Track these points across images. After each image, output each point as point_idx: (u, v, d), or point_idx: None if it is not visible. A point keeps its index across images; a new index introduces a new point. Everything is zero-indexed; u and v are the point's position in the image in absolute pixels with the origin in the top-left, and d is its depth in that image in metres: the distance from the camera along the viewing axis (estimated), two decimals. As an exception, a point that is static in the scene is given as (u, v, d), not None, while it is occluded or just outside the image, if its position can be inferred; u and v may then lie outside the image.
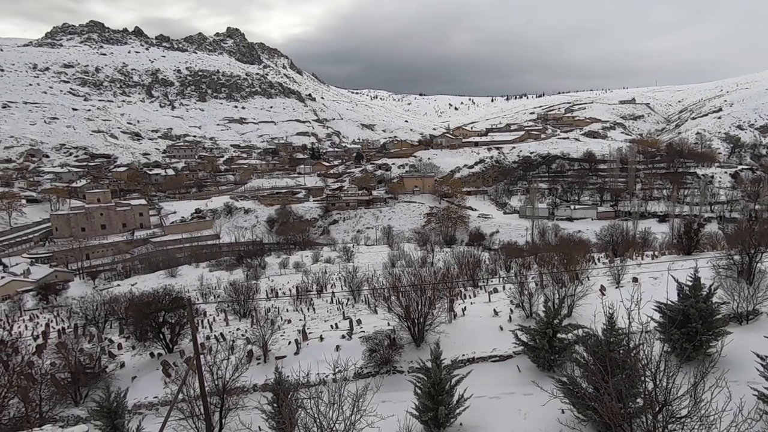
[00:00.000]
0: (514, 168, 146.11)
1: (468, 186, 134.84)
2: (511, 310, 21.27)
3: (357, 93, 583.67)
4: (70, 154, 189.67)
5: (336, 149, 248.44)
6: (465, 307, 23.22)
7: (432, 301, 19.07)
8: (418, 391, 12.79)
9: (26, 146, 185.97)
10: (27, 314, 49.77)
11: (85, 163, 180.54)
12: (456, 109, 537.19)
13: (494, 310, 21.95)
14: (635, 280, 23.98)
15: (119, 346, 26.53)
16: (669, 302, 13.86)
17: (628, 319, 9.36)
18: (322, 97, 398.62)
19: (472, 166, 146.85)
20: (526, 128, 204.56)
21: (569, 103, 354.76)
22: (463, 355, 17.48)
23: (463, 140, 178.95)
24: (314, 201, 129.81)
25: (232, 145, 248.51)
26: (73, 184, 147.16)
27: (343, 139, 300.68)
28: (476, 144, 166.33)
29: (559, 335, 15.54)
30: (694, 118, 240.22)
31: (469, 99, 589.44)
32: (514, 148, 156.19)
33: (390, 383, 16.40)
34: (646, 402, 8.84)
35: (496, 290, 29.38)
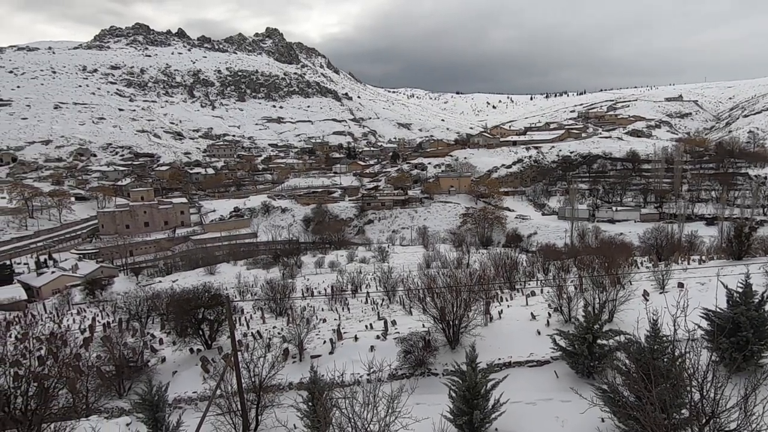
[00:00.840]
0: (553, 168, 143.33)
1: (505, 186, 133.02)
2: (549, 314, 20.79)
3: (393, 92, 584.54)
4: (116, 153, 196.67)
5: (372, 148, 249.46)
6: (501, 310, 22.85)
7: (467, 303, 18.82)
8: (453, 395, 12.64)
9: (75, 146, 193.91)
10: (75, 308, 51.83)
11: (129, 162, 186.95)
12: (494, 107, 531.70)
13: (531, 313, 21.51)
14: (681, 285, 23.06)
15: (160, 341, 27.27)
16: (717, 309, 13.25)
17: (674, 325, 8.97)
18: (359, 96, 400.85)
19: (509, 166, 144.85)
20: (566, 127, 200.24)
21: (612, 100, 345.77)
22: (499, 359, 17.20)
23: (501, 139, 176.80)
24: (350, 200, 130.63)
25: (269, 145, 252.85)
26: (119, 183, 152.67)
27: (379, 138, 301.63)
28: (514, 143, 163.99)
29: (599, 341, 15.10)
30: (746, 116, 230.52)
31: (508, 97, 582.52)
32: (553, 147, 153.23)
33: (424, 385, 16.29)
34: (692, 413, 8.48)
35: (533, 293, 28.81)
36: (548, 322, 20.14)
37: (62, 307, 52.25)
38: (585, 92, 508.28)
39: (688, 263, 35.10)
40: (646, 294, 22.01)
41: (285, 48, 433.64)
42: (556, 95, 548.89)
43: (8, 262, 79.98)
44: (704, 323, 13.31)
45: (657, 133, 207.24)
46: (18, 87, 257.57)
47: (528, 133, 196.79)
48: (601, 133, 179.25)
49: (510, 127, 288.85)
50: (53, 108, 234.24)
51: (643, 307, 16.45)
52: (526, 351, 17.80)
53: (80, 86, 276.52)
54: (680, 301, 9.24)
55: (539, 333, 19.09)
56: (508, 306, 25.18)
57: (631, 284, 22.89)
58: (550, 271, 39.93)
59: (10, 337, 33.11)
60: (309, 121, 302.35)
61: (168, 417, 14.57)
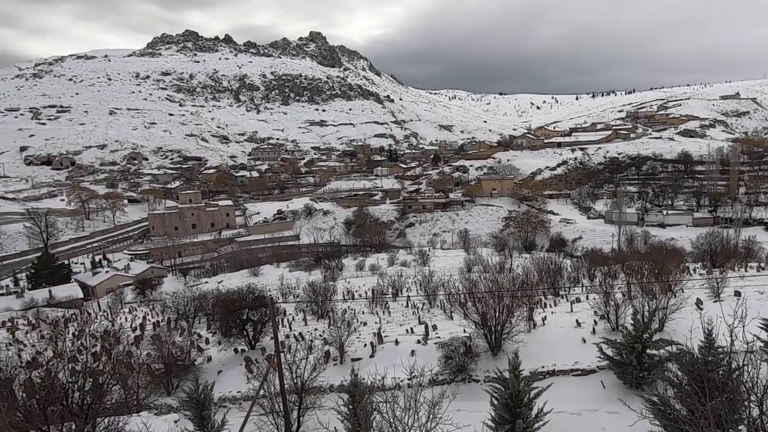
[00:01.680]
0: (600, 170, 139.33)
1: (549, 189, 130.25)
2: (595, 322, 20.22)
3: (435, 93, 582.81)
4: (166, 157, 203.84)
5: (413, 151, 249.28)
6: (545, 317, 22.38)
7: (510, 308, 18.54)
8: (495, 402, 12.45)
9: (129, 150, 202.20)
10: (127, 307, 53.95)
11: (178, 166, 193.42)
12: (538, 108, 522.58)
13: (576, 320, 20.98)
14: (737, 294, 22.03)
15: (207, 341, 28.04)
16: (778, 320, 12.59)
17: (730, 336, 8.55)
18: (401, 99, 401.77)
19: (554, 168, 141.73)
20: (614, 127, 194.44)
21: (662, 99, 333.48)
22: (543, 366, 16.85)
23: (545, 141, 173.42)
24: (391, 203, 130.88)
25: (312, 148, 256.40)
26: (168, 186, 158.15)
27: (420, 140, 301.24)
28: (559, 144, 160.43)
29: (648, 351, 14.61)
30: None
31: (552, 97, 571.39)
32: (600, 148, 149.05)
33: (465, 392, 16.12)
34: (750, 430, 8.07)
35: (578, 300, 28.07)
36: (594, 329, 19.60)
37: (115, 306, 54.47)
38: (634, 91, 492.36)
39: (746, 270, 33.50)
40: (699, 302, 21.13)
41: (328, 51, 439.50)
42: (603, 95, 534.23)
43: (66, 262, 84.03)
44: (764, 334, 12.65)
45: (711, 133, 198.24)
46: (77, 94, 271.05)
47: (573, 134, 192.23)
48: (651, 134, 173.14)
49: (554, 128, 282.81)
50: (108, 114, 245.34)
51: (697, 316, 15.78)
52: (570, 359, 17.38)
53: (133, 92, 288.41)
54: (737, 310, 8.80)
55: (585, 341, 18.60)
56: (552, 312, 24.65)
57: (683, 292, 22.00)
58: (596, 277, 38.85)
59: (68, 333, 34.74)
60: (351, 123, 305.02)
61: (213, 415, 14.95)
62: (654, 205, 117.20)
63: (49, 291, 60.89)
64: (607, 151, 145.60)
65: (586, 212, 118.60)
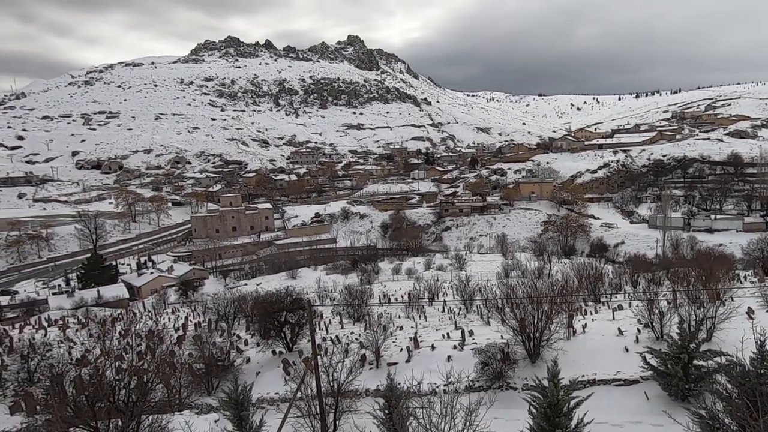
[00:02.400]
0: (644, 173, 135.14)
1: (590, 192, 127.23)
2: (639, 330, 19.62)
3: (473, 96, 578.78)
4: (208, 161, 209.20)
5: (450, 154, 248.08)
6: (585, 324, 21.87)
7: (549, 315, 18.22)
8: (533, 411, 12.22)
9: (173, 154, 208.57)
10: (170, 307, 55.48)
11: (220, 169, 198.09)
12: (578, 109, 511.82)
13: (618, 328, 20.41)
14: (792, 303, 21.00)
15: (246, 342, 28.58)
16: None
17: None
18: (438, 101, 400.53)
19: (595, 171, 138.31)
20: (659, 128, 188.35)
21: (711, 99, 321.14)
22: (583, 375, 16.45)
23: (586, 143, 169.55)
24: (427, 207, 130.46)
25: (349, 151, 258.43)
26: (210, 189, 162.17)
27: (457, 143, 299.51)
28: (600, 147, 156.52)
29: (695, 361, 14.10)
30: None
31: (593, 98, 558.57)
32: (643, 150, 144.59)
33: (502, 399, 15.91)
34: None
35: (620, 307, 27.33)
36: (637, 338, 19.04)
37: (159, 306, 56.10)
38: (680, 90, 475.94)
39: (801, 278, 31.84)
40: (750, 312, 20.25)
41: (365, 55, 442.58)
42: (646, 95, 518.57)
43: (114, 263, 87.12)
44: (821, 348, 12.02)
45: (764, 134, 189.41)
46: (125, 100, 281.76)
47: (615, 135, 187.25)
48: (698, 135, 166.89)
49: (596, 129, 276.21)
50: (154, 119, 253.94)
51: (748, 326, 15.13)
52: (612, 368, 16.93)
53: (178, 98, 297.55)
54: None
55: (627, 350, 18.09)
56: (593, 320, 24.08)
57: (732, 300, 21.14)
58: (640, 283, 37.74)
59: (115, 332, 36.01)
60: (388, 127, 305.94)
61: (252, 416, 15.21)
62: (701, 209, 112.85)
63: (98, 291, 63.14)
64: (651, 153, 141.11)
65: (629, 216, 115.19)
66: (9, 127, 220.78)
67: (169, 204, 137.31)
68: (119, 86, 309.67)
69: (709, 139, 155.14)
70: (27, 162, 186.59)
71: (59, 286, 77.48)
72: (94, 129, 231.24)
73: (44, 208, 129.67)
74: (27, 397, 20.95)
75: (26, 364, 23.63)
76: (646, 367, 15.04)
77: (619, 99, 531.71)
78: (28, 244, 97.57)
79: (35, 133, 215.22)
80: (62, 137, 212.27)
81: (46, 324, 46.29)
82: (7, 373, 23.87)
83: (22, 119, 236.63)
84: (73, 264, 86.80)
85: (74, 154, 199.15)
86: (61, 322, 45.38)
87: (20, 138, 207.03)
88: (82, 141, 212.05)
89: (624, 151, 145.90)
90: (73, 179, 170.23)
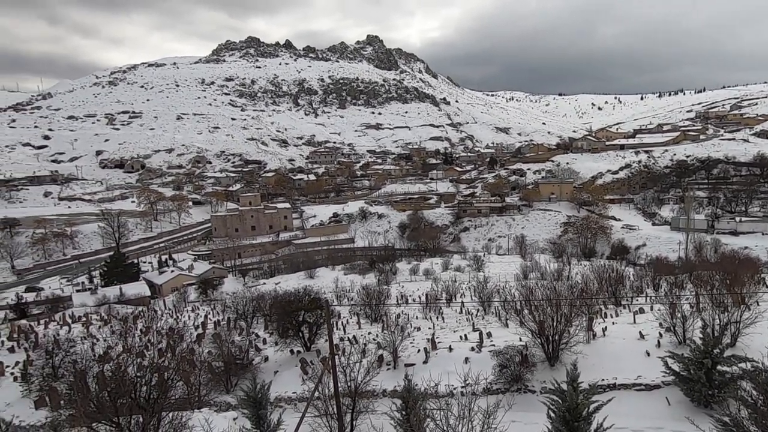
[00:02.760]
0: (666, 174, 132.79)
1: (611, 193, 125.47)
2: (660, 334, 19.30)
3: (492, 95, 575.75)
4: (228, 161, 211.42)
5: (469, 154, 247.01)
6: (605, 327, 21.58)
7: (568, 318, 18.02)
8: (552, 415, 12.12)
9: (194, 153, 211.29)
10: (190, 305, 56.21)
11: (240, 169, 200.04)
12: (599, 109, 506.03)
13: (640, 332, 20.09)
14: (820, 308, 20.43)
15: (264, 341, 28.80)
16: None
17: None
18: (457, 101, 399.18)
19: (616, 172, 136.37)
20: (682, 128, 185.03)
21: (736, 98, 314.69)
22: (603, 379, 16.26)
23: (607, 143, 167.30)
24: (445, 207, 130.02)
25: (368, 151, 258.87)
26: (230, 188, 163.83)
27: (476, 143, 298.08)
28: (622, 147, 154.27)
29: (719, 367, 13.84)
30: None
31: (615, 98, 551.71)
32: (666, 151, 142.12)
33: (520, 402, 15.79)
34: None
35: (642, 310, 26.90)
36: (659, 342, 18.73)
37: (179, 304, 56.87)
38: (704, 90, 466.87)
39: (830, 283, 31.01)
40: (776, 317, 19.74)
41: (384, 54, 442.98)
42: (670, 94, 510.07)
43: (136, 261, 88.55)
44: None
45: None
46: (148, 100, 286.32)
47: (637, 135, 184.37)
48: (723, 135, 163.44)
49: (617, 129, 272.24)
50: (176, 119, 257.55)
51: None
52: (633, 373, 16.70)
53: (199, 98, 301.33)
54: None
55: (648, 354, 17.82)
56: (613, 323, 23.75)
57: (758, 305, 20.66)
58: (662, 286, 37.11)
59: (137, 329, 36.61)
60: (406, 126, 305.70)
61: (270, 415, 15.33)
62: (725, 211, 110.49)
63: (120, 288, 64.21)
64: (674, 154, 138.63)
65: (651, 218, 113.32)
66: (36, 126, 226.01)
67: (190, 203, 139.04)
68: (142, 86, 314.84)
69: (734, 139, 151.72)
70: (53, 161, 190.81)
71: (83, 283, 79.06)
72: (118, 129, 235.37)
73: (69, 207, 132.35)
74: (51, 392, 21.45)
75: (51, 360, 24.15)
76: (667, 372, 14.81)
77: (642, 98, 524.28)
78: (53, 242, 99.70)
79: (61, 132, 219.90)
80: (87, 137, 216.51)
81: (70, 320, 47.31)
82: (33, 369, 24.45)
83: (49, 119, 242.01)
84: (97, 262, 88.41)
85: (98, 153, 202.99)
86: (84, 319, 46.29)
87: (46, 137, 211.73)
88: (106, 140, 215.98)
89: (646, 152, 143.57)
90: (97, 178, 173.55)
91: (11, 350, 33.41)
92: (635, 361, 17.51)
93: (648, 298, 32.59)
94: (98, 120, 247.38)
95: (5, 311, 60.58)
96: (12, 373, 26.40)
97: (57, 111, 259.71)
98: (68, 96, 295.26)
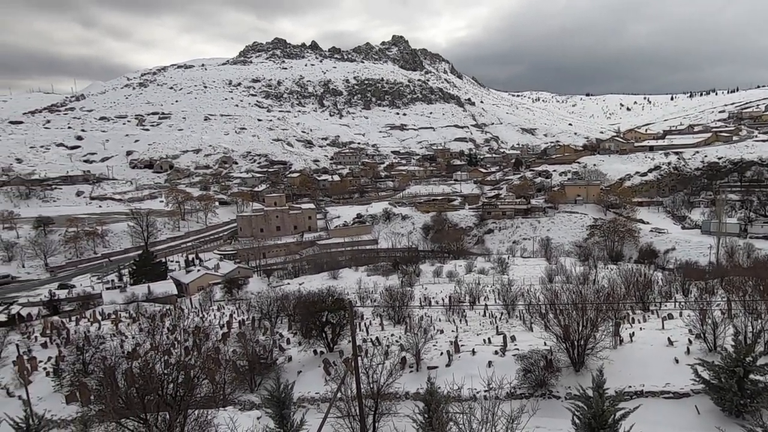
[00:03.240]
0: (697, 176, 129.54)
1: (639, 196, 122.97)
2: (690, 341, 18.85)
3: (518, 96, 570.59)
4: (254, 161, 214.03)
5: (494, 155, 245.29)
6: (633, 333, 21.19)
7: (594, 322, 17.75)
8: (577, 421, 11.97)
9: (220, 154, 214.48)
10: (215, 304, 57.02)
11: (265, 169, 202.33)
12: (628, 109, 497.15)
13: (668, 339, 19.66)
14: None
15: (288, 341, 29.05)
16: None
17: None
18: (482, 101, 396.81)
19: (644, 174, 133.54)
20: (714, 129, 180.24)
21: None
22: (630, 386, 15.94)
23: (635, 144, 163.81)
24: (470, 209, 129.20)
25: (392, 152, 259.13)
26: (255, 189, 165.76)
27: (501, 144, 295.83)
28: (651, 148, 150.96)
29: (752, 376, 13.46)
30: None
31: (644, 98, 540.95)
32: (697, 152, 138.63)
33: (545, 408, 15.60)
34: None
35: (670, 316, 26.33)
36: (688, 349, 18.30)
37: (205, 303, 57.72)
38: (737, 89, 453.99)
39: None
40: (813, 325, 19.10)
41: (410, 55, 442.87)
42: (701, 94, 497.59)
43: (164, 260, 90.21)
44: None
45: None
46: (176, 101, 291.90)
47: (667, 137, 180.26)
48: (757, 136, 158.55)
49: (646, 130, 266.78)
50: (203, 119, 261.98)
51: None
52: (661, 380, 16.35)
53: (226, 99, 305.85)
54: None
55: (677, 361, 17.43)
56: (641, 329, 23.31)
57: (793, 313, 20.02)
58: (691, 292, 36.25)
59: (164, 327, 37.32)
60: (431, 127, 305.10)
61: (293, 415, 15.46)
62: (759, 215, 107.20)
63: (148, 287, 65.37)
64: (706, 156, 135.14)
65: (681, 222, 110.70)
66: (69, 127, 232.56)
67: (216, 203, 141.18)
68: (171, 88, 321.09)
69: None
70: (85, 161, 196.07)
71: (112, 281, 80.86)
72: (147, 129, 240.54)
73: (100, 206, 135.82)
74: (81, 387, 22.01)
75: (81, 356, 24.79)
76: (697, 379, 14.47)
77: (672, 99, 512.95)
78: (84, 241, 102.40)
79: (93, 133, 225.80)
80: (118, 137, 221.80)
81: (100, 317, 48.47)
82: (64, 364, 25.14)
83: (81, 120, 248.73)
84: (126, 260, 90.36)
85: (128, 153, 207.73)
86: (113, 316, 47.35)
87: (79, 138, 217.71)
88: (136, 141, 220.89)
89: (676, 153, 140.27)
90: (127, 178, 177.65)
91: (44, 346, 34.42)
92: (663, 368, 17.15)
93: (677, 304, 31.86)
94: (129, 121, 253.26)
95: (39, 307, 62.32)
96: (45, 368, 27.19)
97: (90, 112, 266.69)
98: (100, 97, 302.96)
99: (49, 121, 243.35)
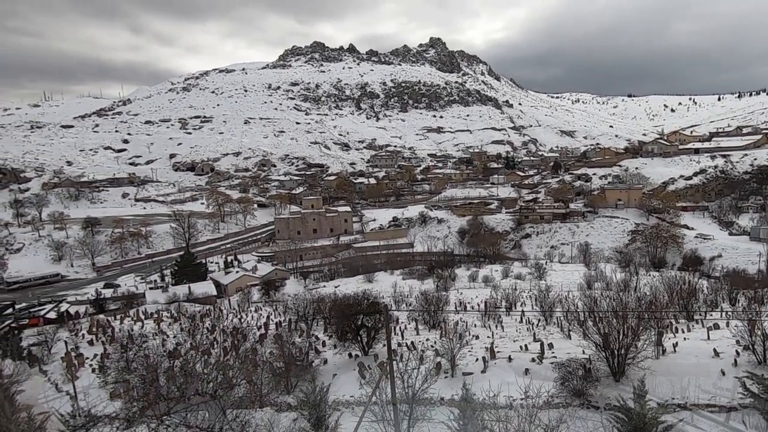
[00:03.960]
0: (745, 180, 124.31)
1: (684, 200, 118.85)
2: (737, 353, 18.14)
3: (557, 97, 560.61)
4: (292, 164, 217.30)
5: (532, 158, 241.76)
6: (676, 343, 20.53)
7: (635, 331, 17.29)
8: (617, 433, 11.71)
9: (260, 157, 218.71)
10: (253, 306, 58.06)
11: (303, 172, 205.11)
12: (672, 110, 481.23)
13: (714, 350, 18.97)
14: None
15: (323, 344, 29.33)
16: None
17: None
18: (520, 104, 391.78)
19: (689, 177, 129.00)
20: (764, 131, 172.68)
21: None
22: (672, 398, 15.45)
23: (680, 147, 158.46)
24: (506, 213, 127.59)
25: (428, 155, 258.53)
26: (293, 191, 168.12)
27: (539, 147, 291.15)
28: (696, 151, 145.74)
29: (804, 392, 12.84)
30: None
31: (689, 99, 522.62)
32: (746, 155, 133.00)
33: (583, 418, 15.27)
34: None
35: (716, 326, 25.36)
36: (736, 361, 17.61)
37: (243, 304, 58.87)
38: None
39: None
40: None
41: (447, 57, 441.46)
42: (750, 94, 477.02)
43: (204, 261, 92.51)
44: None
45: None
46: (218, 105, 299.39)
47: (714, 139, 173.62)
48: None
49: (691, 132, 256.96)
50: (243, 123, 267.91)
51: None
52: (706, 393, 15.77)
53: (265, 102, 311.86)
54: None
55: (724, 374, 16.80)
56: (685, 339, 22.56)
57: None
58: (739, 301, 34.84)
59: (204, 327, 38.27)
60: (468, 130, 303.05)
61: (328, 418, 15.61)
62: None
63: (189, 287, 67.18)
64: (755, 158, 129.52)
65: (728, 227, 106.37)
66: (116, 131, 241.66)
67: (255, 205, 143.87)
68: (213, 92, 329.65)
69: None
70: (130, 164, 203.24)
71: (155, 281, 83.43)
72: (190, 133, 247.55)
73: (144, 207, 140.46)
74: (125, 384, 22.81)
75: (125, 354, 25.68)
76: (745, 393, 13.91)
77: (719, 99, 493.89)
78: (129, 241, 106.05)
79: (138, 136, 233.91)
80: (161, 141, 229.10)
81: (143, 317, 50.10)
82: (109, 361, 26.10)
83: (128, 124, 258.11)
84: (168, 261, 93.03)
85: (171, 156, 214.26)
86: (156, 316, 48.85)
87: (125, 141, 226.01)
88: (179, 144, 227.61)
89: (723, 156, 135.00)
90: (170, 180, 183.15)
91: (90, 343, 35.83)
92: (709, 380, 16.54)
93: (724, 314, 30.68)
94: (172, 125, 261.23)
95: (86, 306, 64.87)
96: (90, 365, 28.32)
97: (135, 116, 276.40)
98: (146, 102, 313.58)
99: (97, 125, 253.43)
